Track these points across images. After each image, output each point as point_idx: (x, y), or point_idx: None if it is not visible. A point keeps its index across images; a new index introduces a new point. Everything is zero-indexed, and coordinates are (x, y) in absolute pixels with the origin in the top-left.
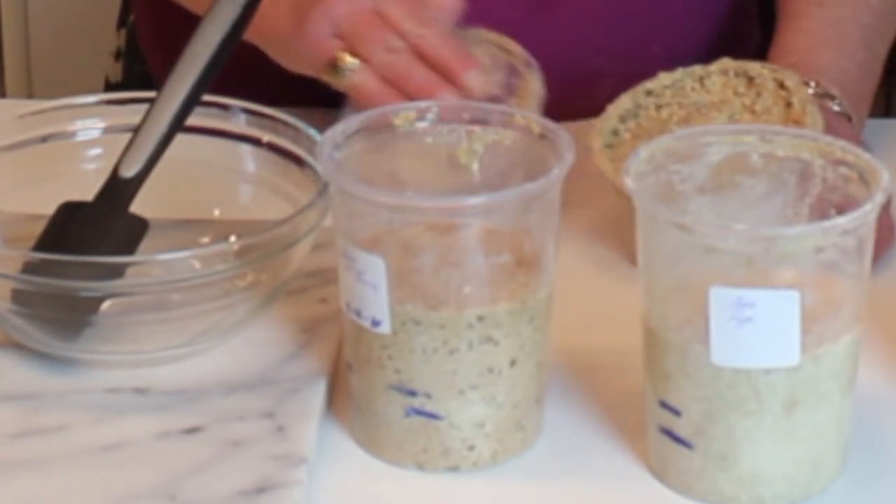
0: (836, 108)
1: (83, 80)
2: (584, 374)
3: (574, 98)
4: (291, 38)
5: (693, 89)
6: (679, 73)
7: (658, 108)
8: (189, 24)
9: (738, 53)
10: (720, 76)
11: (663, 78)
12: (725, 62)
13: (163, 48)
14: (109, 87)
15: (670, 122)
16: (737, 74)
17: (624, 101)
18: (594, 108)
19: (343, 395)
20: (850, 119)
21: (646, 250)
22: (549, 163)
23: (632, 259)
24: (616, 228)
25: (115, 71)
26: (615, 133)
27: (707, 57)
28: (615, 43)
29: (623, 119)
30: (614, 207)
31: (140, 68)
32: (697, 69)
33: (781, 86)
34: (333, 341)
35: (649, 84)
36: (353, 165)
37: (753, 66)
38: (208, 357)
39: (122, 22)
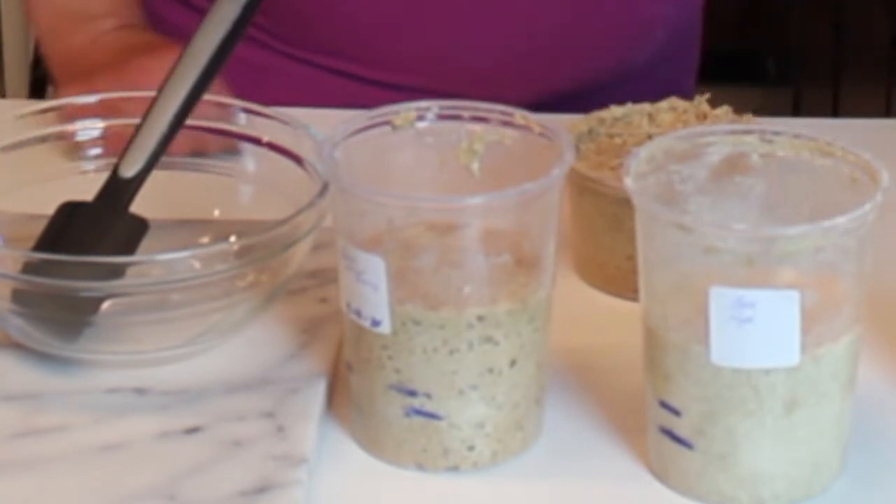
0: None
1: None
2: (584, 374)
3: (577, 89)
4: None
5: (640, 126)
6: (628, 107)
7: (610, 136)
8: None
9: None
10: (669, 112)
11: (614, 110)
12: (674, 101)
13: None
14: None
15: (625, 147)
16: (685, 111)
17: (579, 125)
18: (595, 100)
19: (343, 395)
20: None
21: (646, 250)
22: (549, 163)
23: (579, 271)
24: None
25: None
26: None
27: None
28: (616, 32)
29: (580, 140)
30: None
31: None
32: (646, 106)
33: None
34: (333, 341)
35: (602, 113)
36: (353, 165)
37: (703, 105)
38: (208, 357)
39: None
